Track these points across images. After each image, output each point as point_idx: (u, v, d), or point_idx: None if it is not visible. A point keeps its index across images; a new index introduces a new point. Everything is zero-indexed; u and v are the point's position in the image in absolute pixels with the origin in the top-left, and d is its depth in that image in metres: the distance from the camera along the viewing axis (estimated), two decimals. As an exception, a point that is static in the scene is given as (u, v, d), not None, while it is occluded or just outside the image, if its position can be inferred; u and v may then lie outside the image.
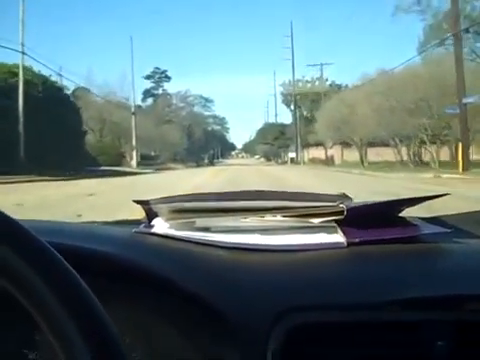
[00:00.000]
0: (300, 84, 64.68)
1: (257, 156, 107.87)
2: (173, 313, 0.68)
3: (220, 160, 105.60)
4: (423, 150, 29.43)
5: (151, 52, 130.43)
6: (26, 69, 26.49)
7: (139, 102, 71.40)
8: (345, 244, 0.76)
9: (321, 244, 0.76)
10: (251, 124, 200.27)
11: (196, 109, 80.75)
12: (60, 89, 31.18)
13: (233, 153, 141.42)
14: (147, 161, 55.97)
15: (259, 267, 0.71)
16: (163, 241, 0.78)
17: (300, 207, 0.78)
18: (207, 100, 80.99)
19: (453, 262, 0.74)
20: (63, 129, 26.93)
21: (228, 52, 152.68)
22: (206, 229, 0.79)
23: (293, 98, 58.78)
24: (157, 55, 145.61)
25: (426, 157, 29.46)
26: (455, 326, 0.67)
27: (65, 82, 39.44)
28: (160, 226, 0.83)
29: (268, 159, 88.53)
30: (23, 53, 25.49)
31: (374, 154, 36.44)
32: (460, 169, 20.29)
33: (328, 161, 43.02)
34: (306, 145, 56.81)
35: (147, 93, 76.73)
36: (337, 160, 42.55)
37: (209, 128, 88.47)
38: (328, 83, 66.81)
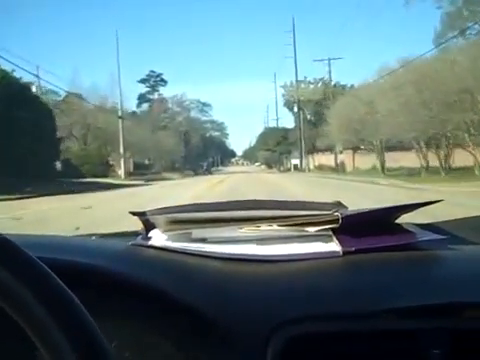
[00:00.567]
0: (302, 85, 59.90)
1: (257, 163, 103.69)
2: (170, 326, 0.67)
3: (219, 168, 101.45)
4: (454, 154, 24.26)
5: (146, 55, 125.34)
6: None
7: (134, 108, 67.30)
8: (341, 253, 0.75)
9: (317, 253, 0.76)
10: (251, 130, 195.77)
11: (193, 114, 75.97)
12: (25, 87, 26.08)
13: (233, 160, 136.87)
14: (140, 171, 51.50)
15: (255, 278, 0.71)
16: (159, 253, 0.78)
17: (295, 216, 0.78)
18: (204, 104, 76.27)
19: (449, 269, 0.74)
20: (25, 136, 21.93)
21: (226, 55, 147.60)
22: (202, 240, 0.79)
23: (296, 99, 53.80)
24: (152, 59, 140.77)
25: (457, 162, 24.42)
26: (452, 334, 0.66)
27: (49, 86, 34.62)
28: (157, 238, 0.83)
29: (269, 166, 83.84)
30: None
31: (390, 160, 31.47)
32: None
33: (338, 168, 38.01)
34: (310, 151, 51.96)
35: (142, 98, 72.01)
36: (348, 167, 37.58)
37: (207, 134, 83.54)
38: (332, 83, 62.13)
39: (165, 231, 0.83)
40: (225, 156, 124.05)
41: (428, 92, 20.46)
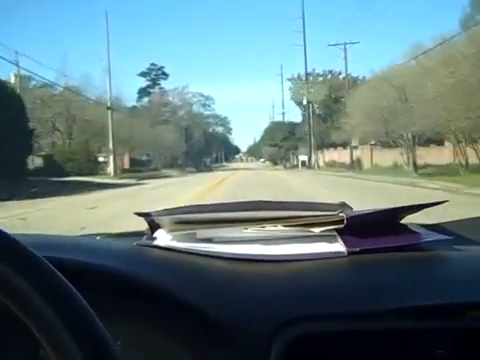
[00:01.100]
0: (311, 78, 55.33)
1: (262, 159, 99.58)
2: (175, 325, 0.67)
3: (223, 164, 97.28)
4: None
5: (147, 48, 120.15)
6: None
7: (134, 102, 63.03)
8: (345, 253, 0.75)
9: (322, 253, 0.75)
10: (256, 126, 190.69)
11: (195, 108, 71.30)
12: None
13: (237, 156, 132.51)
14: (137, 167, 46.98)
15: (260, 278, 0.71)
16: (164, 253, 0.78)
17: (300, 216, 0.78)
18: (207, 98, 71.59)
19: (454, 270, 0.73)
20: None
21: (230, 48, 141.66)
22: (208, 240, 0.79)
23: (306, 90, 49.18)
24: (153, 52, 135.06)
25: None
26: (456, 334, 0.66)
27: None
28: (162, 238, 0.83)
29: (274, 162, 79.44)
30: None
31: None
32: None
33: (353, 165, 33.40)
34: (319, 146, 47.46)
35: (142, 92, 67.55)
36: (366, 164, 32.92)
37: (210, 129, 78.76)
38: (342, 75, 57.49)
39: (170, 231, 0.82)
40: (229, 152, 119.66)
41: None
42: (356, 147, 33.42)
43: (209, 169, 55.17)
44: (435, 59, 20.13)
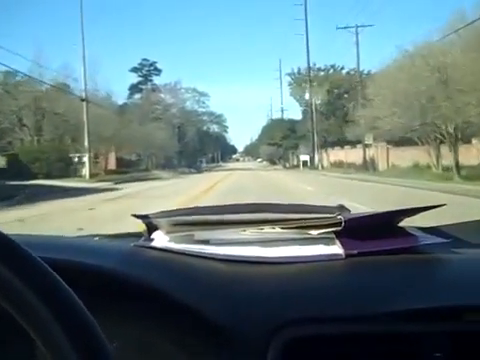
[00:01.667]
0: (311, 74, 50.65)
1: (259, 159, 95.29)
2: (172, 326, 0.67)
3: (220, 164, 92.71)
4: None
5: (137, 43, 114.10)
6: None
7: (124, 99, 58.23)
8: (343, 255, 0.74)
9: (319, 256, 0.74)
10: (253, 125, 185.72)
11: (188, 105, 66.29)
12: None
13: (234, 156, 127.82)
14: (125, 168, 42.15)
15: (258, 280, 0.71)
16: (162, 255, 0.77)
17: (298, 219, 0.77)
18: (201, 94, 66.54)
19: (451, 273, 0.73)
20: None
21: (225, 41, 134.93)
22: (205, 242, 0.78)
23: (308, 83, 44.39)
24: (146, 48, 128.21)
25: None
26: (454, 337, 0.66)
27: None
28: (160, 239, 0.82)
29: (273, 162, 74.68)
30: None
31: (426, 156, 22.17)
32: None
33: (367, 165, 28.53)
34: (322, 145, 42.69)
35: (134, 88, 62.61)
36: (381, 165, 28.04)
37: (204, 127, 73.66)
38: (345, 71, 52.81)
39: (168, 233, 0.82)
40: (225, 152, 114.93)
41: None
42: (369, 145, 28.52)
43: (199, 171, 49.96)
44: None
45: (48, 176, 24.71)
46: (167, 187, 20.88)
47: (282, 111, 60.55)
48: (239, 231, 0.78)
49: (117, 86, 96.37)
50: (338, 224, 0.74)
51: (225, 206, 0.87)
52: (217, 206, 0.88)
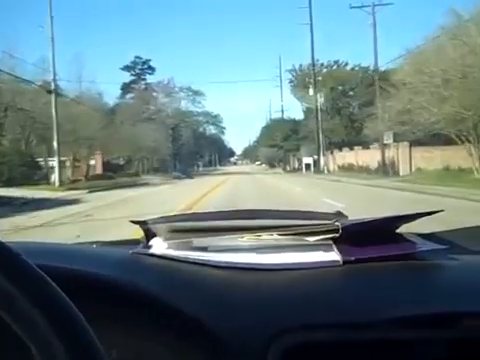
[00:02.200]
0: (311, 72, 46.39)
1: (258, 162, 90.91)
2: (169, 334, 0.66)
3: (217, 167, 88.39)
4: None
5: (130, 40, 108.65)
6: None
7: (116, 99, 53.81)
8: (341, 262, 0.73)
9: (317, 262, 0.73)
10: (251, 128, 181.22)
11: (183, 105, 61.72)
12: None
13: (232, 159, 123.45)
14: (112, 173, 37.53)
15: (256, 287, 0.70)
16: (160, 262, 0.76)
17: (296, 225, 0.76)
18: (197, 93, 61.82)
19: (449, 279, 0.72)
20: None
21: (223, 40, 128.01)
22: (203, 249, 0.77)
23: (313, 78, 39.91)
24: (139, 46, 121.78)
25: None
26: (451, 344, 0.65)
27: None
28: (158, 246, 0.81)
29: (272, 165, 70.23)
30: None
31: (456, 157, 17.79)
32: None
33: (386, 169, 23.94)
34: (328, 147, 38.26)
35: (126, 88, 58.08)
36: (403, 168, 23.47)
37: (200, 129, 68.91)
38: (349, 67, 48.44)
39: (166, 240, 0.80)
40: (223, 155, 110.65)
41: None
42: (388, 145, 23.97)
43: (188, 175, 44.06)
44: None
45: (9, 183, 20.15)
46: (146, 198, 16.43)
47: (282, 111, 56.02)
48: (237, 238, 0.77)
49: (109, 85, 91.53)
50: (336, 231, 0.73)
51: (223, 212, 0.86)
52: (215, 212, 0.87)
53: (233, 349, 0.61)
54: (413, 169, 23.36)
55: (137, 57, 60.60)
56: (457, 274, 0.73)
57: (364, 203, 11.76)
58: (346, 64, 49.46)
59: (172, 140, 53.15)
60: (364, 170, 28.09)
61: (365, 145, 30.14)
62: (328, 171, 35.74)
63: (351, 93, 47.03)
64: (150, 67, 60.31)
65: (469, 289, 0.68)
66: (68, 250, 0.85)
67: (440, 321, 0.63)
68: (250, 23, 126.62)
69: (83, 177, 33.00)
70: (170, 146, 51.59)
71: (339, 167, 35.11)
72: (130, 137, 43.73)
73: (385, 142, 23.53)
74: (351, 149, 33.60)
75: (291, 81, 51.75)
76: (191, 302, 0.65)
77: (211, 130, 72.67)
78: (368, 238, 0.75)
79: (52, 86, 23.53)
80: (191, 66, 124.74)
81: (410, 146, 23.52)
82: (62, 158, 26.78)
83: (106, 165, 41.56)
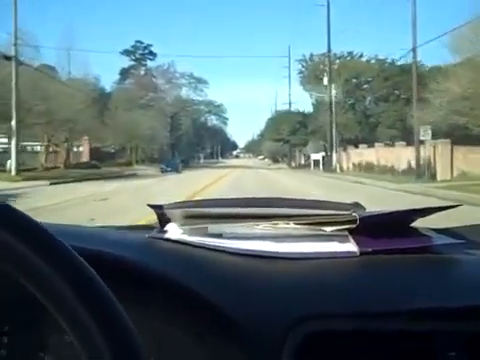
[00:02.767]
0: (325, 62, 41.64)
1: (261, 157, 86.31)
2: (186, 319, 0.66)
3: (219, 160, 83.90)
4: None
5: (131, 24, 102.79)
6: None
7: (114, 83, 49.23)
8: (358, 253, 0.72)
9: (333, 253, 0.72)
10: (255, 122, 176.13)
11: (184, 92, 56.86)
12: None
13: (235, 153, 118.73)
14: (100, 161, 32.93)
15: (271, 274, 0.69)
16: (176, 246, 0.75)
17: (313, 215, 0.75)
18: (199, 81, 56.97)
19: (464, 273, 0.72)
20: None
21: (227, 28, 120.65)
22: (219, 235, 0.76)
23: (329, 65, 35.12)
24: (140, 31, 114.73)
25: None
26: (467, 337, 0.65)
27: None
28: (173, 231, 0.80)
29: (276, 160, 65.49)
30: None
31: None
32: None
33: (420, 170, 19.10)
34: (340, 143, 33.55)
35: (125, 73, 53.30)
36: (442, 171, 18.66)
37: (202, 118, 63.90)
38: (364, 58, 43.60)
39: (181, 225, 0.79)
40: (226, 148, 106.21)
41: None
42: (422, 142, 19.13)
43: (176, 170, 35.67)
44: None
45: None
46: (132, 193, 12.16)
47: (289, 103, 51.20)
48: (253, 225, 0.75)
49: (107, 70, 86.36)
50: (353, 221, 0.72)
51: (239, 199, 0.83)
52: (231, 199, 0.84)
53: (250, 335, 0.61)
54: (454, 172, 18.57)
55: (138, 41, 55.98)
56: (473, 269, 0.72)
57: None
58: (361, 56, 44.76)
59: (171, 129, 48.43)
60: (387, 171, 23.38)
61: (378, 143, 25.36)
62: (341, 170, 30.94)
63: (365, 86, 42.49)
64: (151, 52, 55.69)
65: None
66: (87, 232, 0.85)
67: (456, 314, 0.63)
68: (259, 9, 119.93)
69: (62, 164, 28.17)
70: (168, 135, 46.87)
71: (354, 166, 30.33)
72: (124, 123, 39.11)
73: (421, 138, 18.72)
74: (370, 146, 28.80)
75: (300, 72, 47.05)
76: (208, 287, 0.64)
77: (213, 120, 67.71)
78: (384, 230, 0.74)
79: (12, 52, 18.90)
80: (195, 54, 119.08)
81: (452, 144, 18.73)
82: (33, 143, 22.22)
83: (94, 152, 36.98)
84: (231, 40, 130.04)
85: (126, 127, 38.94)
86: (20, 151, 21.24)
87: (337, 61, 41.95)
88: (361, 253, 0.71)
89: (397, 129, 41.21)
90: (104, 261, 0.63)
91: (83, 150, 36.60)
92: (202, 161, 70.42)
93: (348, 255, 0.71)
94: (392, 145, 24.61)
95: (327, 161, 37.36)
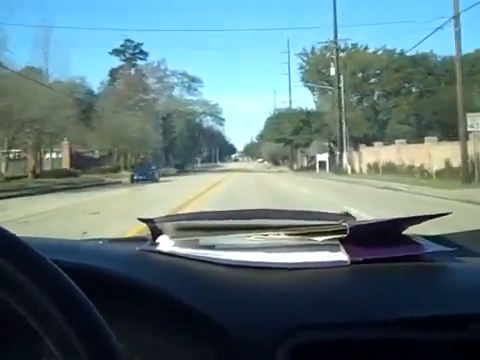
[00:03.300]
0: (328, 55, 37.67)
1: (260, 159, 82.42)
2: (177, 331, 0.65)
3: (217, 164, 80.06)
4: None
5: (122, 23, 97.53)
6: None
7: (101, 84, 45.22)
8: (348, 262, 0.71)
9: (324, 262, 0.72)
10: (253, 125, 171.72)
11: (177, 92, 52.55)
12: None
13: (233, 156, 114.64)
14: (82, 168, 28.91)
15: (263, 285, 0.68)
16: (167, 259, 0.75)
17: (303, 225, 0.75)
18: (193, 80, 52.76)
19: (456, 281, 0.71)
20: None
21: (222, 21, 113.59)
22: (210, 247, 0.76)
23: (335, 54, 30.99)
24: (130, 26, 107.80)
25: None
26: (458, 345, 0.65)
27: None
28: (165, 244, 0.79)
29: (276, 163, 61.35)
30: None
31: None
32: None
33: (466, 172, 14.80)
34: (350, 142, 29.47)
35: (115, 73, 49.14)
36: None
37: (197, 119, 59.41)
38: (370, 50, 39.53)
39: (172, 237, 0.79)
40: (224, 151, 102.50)
41: None
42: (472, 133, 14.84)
43: (151, 178, 27.79)
44: None
45: None
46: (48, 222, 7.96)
47: (290, 102, 47.01)
48: (244, 237, 0.75)
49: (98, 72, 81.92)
50: (343, 231, 0.72)
51: (230, 211, 0.84)
52: (222, 211, 0.85)
53: (242, 346, 0.61)
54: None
55: (128, 40, 51.92)
56: (464, 276, 0.72)
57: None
58: (366, 48, 40.67)
59: (163, 131, 44.22)
60: (416, 172, 19.12)
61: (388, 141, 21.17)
62: (352, 171, 26.77)
63: (373, 80, 38.43)
64: (142, 51, 51.67)
65: (476, 291, 0.67)
66: (75, 246, 0.83)
67: (448, 323, 0.63)
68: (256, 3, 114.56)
69: (31, 173, 23.80)
70: (160, 138, 42.67)
71: (369, 167, 26.10)
72: (110, 126, 34.92)
73: (470, 129, 14.44)
74: (388, 143, 24.60)
75: (301, 67, 42.95)
76: (200, 299, 0.64)
77: (209, 121, 63.12)
78: (375, 239, 0.74)
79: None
80: (188, 54, 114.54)
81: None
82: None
83: (76, 158, 32.71)
84: (230, 38, 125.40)
85: (113, 130, 34.84)
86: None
87: (341, 54, 37.76)
88: (352, 262, 0.70)
89: (410, 125, 37.57)
90: (90, 275, 0.63)
91: (63, 156, 32.31)
92: (199, 165, 66.45)
93: (339, 264, 0.71)
94: (421, 141, 20.33)
95: (333, 162, 33.43)
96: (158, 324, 0.64)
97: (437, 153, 18.18)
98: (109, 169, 33.94)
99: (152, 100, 45.68)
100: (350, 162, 28.03)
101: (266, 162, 72.97)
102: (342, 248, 0.72)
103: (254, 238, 0.75)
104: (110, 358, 0.41)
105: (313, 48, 42.50)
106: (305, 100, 68.88)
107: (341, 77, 30.77)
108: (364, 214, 7.51)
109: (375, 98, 37.26)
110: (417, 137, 23.65)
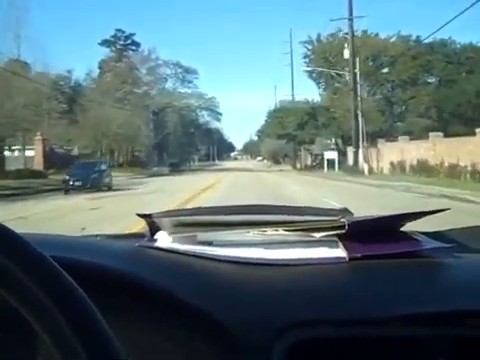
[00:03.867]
0: (336, 41, 33.42)
1: (260, 158, 78.19)
2: (175, 327, 0.65)
3: (216, 162, 76.01)
4: None
5: (113, 12, 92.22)
6: None
7: (87, 75, 40.84)
8: (347, 259, 0.71)
9: (323, 258, 0.71)
10: (252, 123, 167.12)
11: (170, 84, 48.16)
12: None
13: (232, 155, 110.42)
14: (56, 168, 24.57)
15: (261, 281, 0.68)
16: (166, 255, 0.74)
17: (302, 221, 0.75)
18: (187, 71, 48.23)
19: (454, 277, 0.71)
20: None
21: (220, 13, 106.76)
22: (208, 243, 0.75)
23: (350, 33, 26.73)
24: (119, 15, 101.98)
25: None
26: (456, 342, 0.65)
27: None
28: (163, 240, 0.79)
29: (277, 161, 57.01)
30: None
31: None
32: None
33: None
34: (365, 137, 25.07)
35: (104, 65, 44.69)
36: None
37: (192, 114, 54.76)
38: (382, 36, 35.18)
39: (171, 233, 0.78)
40: (222, 150, 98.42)
41: None
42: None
43: (97, 185, 19.23)
44: None
45: None
46: None
47: (293, 96, 42.62)
48: (242, 233, 0.75)
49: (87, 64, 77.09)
50: (342, 227, 0.71)
51: (228, 207, 0.82)
52: (220, 207, 0.83)
53: (240, 343, 0.61)
54: None
55: (118, 30, 47.56)
56: (461, 272, 0.71)
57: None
58: (376, 35, 36.33)
59: (155, 126, 39.77)
60: (461, 173, 14.65)
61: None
62: (370, 171, 22.32)
63: (385, 70, 34.16)
64: (134, 43, 47.28)
65: (474, 287, 0.66)
66: (74, 242, 0.82)
67: (446, 319, 0.62)
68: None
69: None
70: (151, 134, 38.28)
71: (392, 166, 21.65)
72: (93, 120, 30.48)
73: None
74: (414, 137, 20.18)
75: (306, 56, 38.69)
76: (198, 295, 0.63)
77: (205, 117, 58.29)
78: (373, 235, 0.73)
79: None
80: (184, 45, 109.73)
81: None
82: None
83: (51, 156, 28.13)
84: (227, 34, 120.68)
85: (95, 124, 30.43)
86: None
87: (346, 45, 33.30)
88: (350, 258, 0.70)
89: (431, 118, 33.23)
90: (89, 271, 0.63)
91: (35, 153, 27.72)
92: (196, 164, 62.14)
93: (337, 261, 0.70)
94: (472, 133, 15.84)
95: (342, 160, 29.20)
96: (156, 319, 0.64)
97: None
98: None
99: (143, 93, 41.30)
100: (366, 160, 23.63)
101: (266, 160, 68.84)
102: (340, 244, 0.71)
103: (252, 234, 0.74)
104: (108, 355, 0.40)
105: (319, 35, 38.37)
106: (308, 94, 64.53)
107: (357, 60, 26.25)
108: None
109: (389, 88, 33.06)
110: (438, 131, 19.53)
